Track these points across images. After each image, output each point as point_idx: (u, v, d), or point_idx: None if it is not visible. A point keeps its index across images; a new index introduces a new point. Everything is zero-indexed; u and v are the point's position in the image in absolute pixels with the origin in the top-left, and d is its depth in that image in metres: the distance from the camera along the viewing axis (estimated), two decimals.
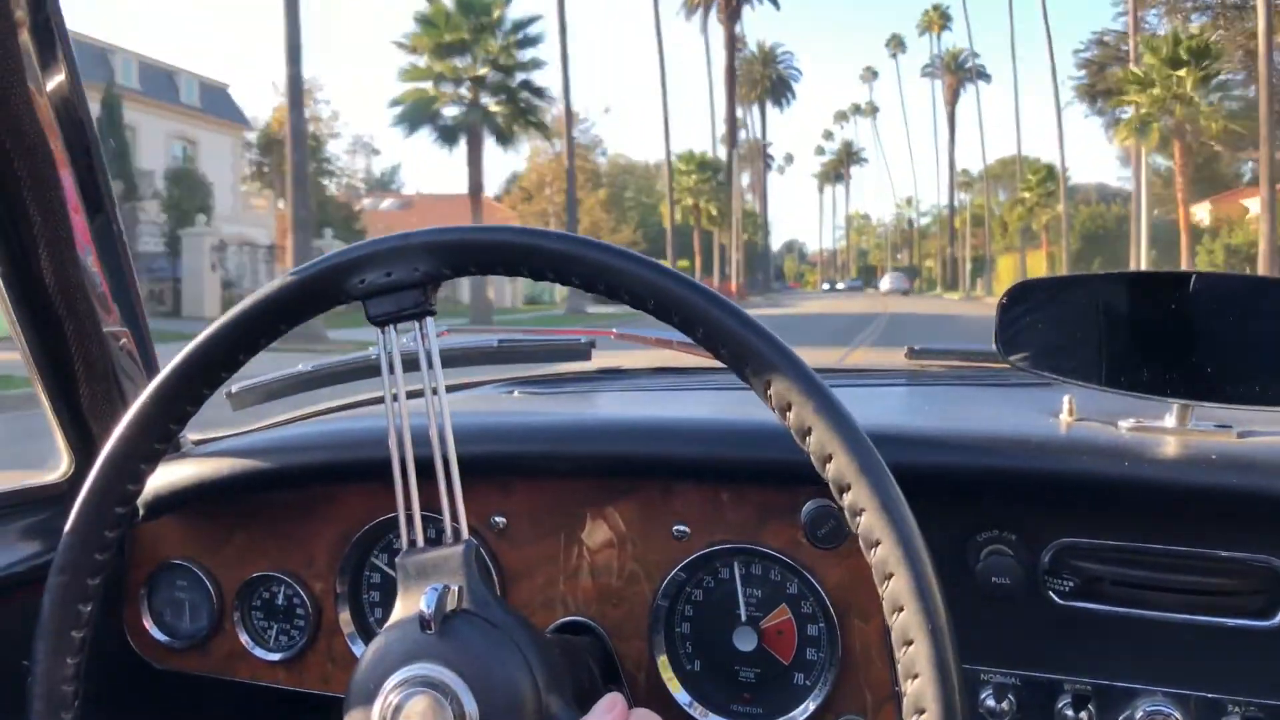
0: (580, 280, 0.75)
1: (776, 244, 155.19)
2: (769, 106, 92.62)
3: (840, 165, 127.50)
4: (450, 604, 0.73)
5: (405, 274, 0.76)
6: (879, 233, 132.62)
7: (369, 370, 1.44)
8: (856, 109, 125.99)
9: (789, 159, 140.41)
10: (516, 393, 1.59)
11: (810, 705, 1.05)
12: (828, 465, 0.69)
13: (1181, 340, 1.04)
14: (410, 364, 0.80)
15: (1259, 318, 1.03)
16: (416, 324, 0.78)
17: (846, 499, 0.69)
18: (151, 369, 1.25)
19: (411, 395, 0.81)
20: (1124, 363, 1.05)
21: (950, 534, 1.00)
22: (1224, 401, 1.02)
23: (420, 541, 0.78)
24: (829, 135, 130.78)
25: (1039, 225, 53.32)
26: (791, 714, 1.05)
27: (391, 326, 0.78)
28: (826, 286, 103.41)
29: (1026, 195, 53.74)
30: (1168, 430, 1.02)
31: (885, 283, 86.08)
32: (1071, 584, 0.99)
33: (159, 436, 0.81)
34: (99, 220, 1.19)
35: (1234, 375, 1.01)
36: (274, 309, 0.79)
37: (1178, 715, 0.95)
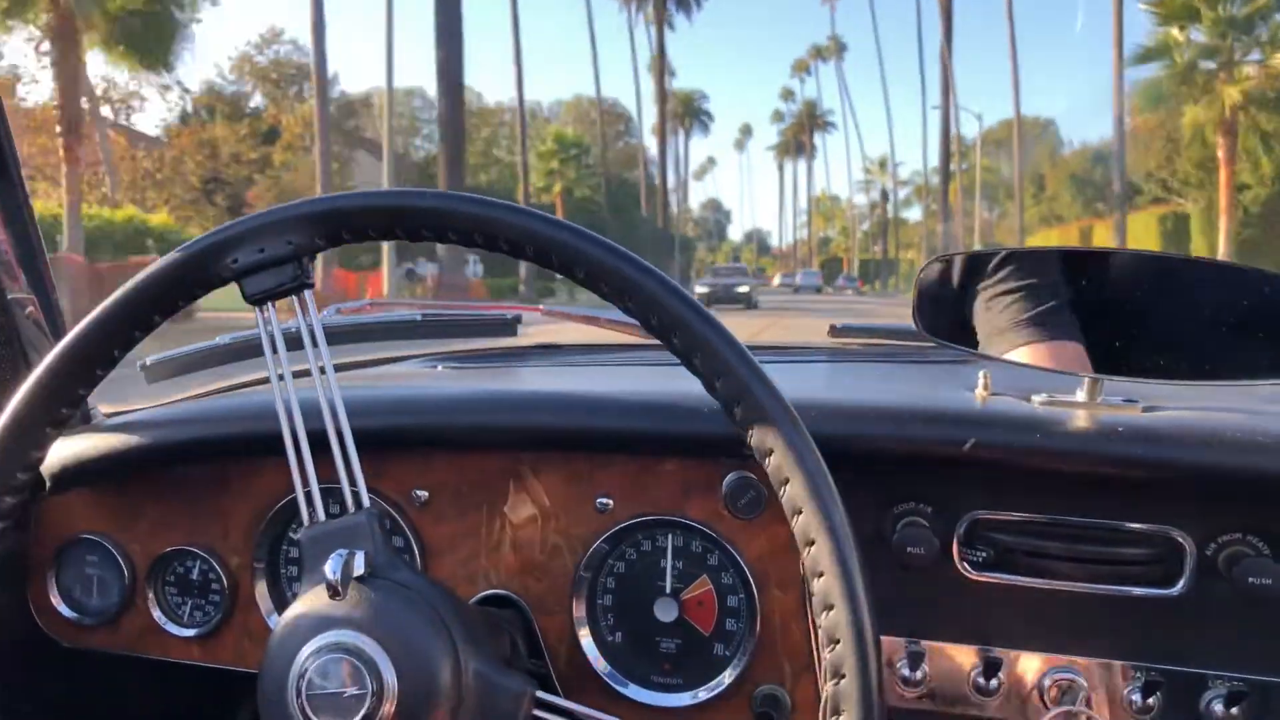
0: (457, 235, 0.74)
1: (736, 234, 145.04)
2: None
3: (801, 131, 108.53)
4: (358, 569, 0.72)
5: (278, 249, 0.75)
6: (849, 216, 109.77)
7: (288, 342, 1.41)
8: (819, 53, 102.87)
9: (746, 131, 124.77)
10: (440, 367, 1.58)
11: (729, 675, 1.06)
12: (752, 433, 0.70)
13: (1093, 316, 1.07)
14: (329, 338, 0.79)
15: (1169, 295, 1.05)
16: (295, 299, 0.77)
17: (770, 464, 0.69)
18: (59, 336, 1.22)
19: (308, 372, 0.80)
20: None
21: (868, 505, 1.02)
22: (1133, 376, 1.04)
23: (322, 516, 0.77)
24: (789, 95, 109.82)
25: None
26: (711, 684, 1.06)
27: (270, 304, 0.77)
28: (783, 282, 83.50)
29: None
30: (1078, 404, 1.04)
31: (798, 278, 72.15)
32: (984, 555, 1.01)
33: (48, 424, 0.79)
34: (4, 186, 1.15)
35: (1142, 350, 1.04)
36: (147, 298, 0.77)
37: (1083, 681, 0.98)
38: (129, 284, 0.77)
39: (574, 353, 1.75)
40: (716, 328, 0.71)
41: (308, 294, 0.78)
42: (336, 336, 0.80)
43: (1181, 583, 0.96)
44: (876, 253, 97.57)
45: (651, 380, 1.29)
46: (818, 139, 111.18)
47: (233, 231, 0.76)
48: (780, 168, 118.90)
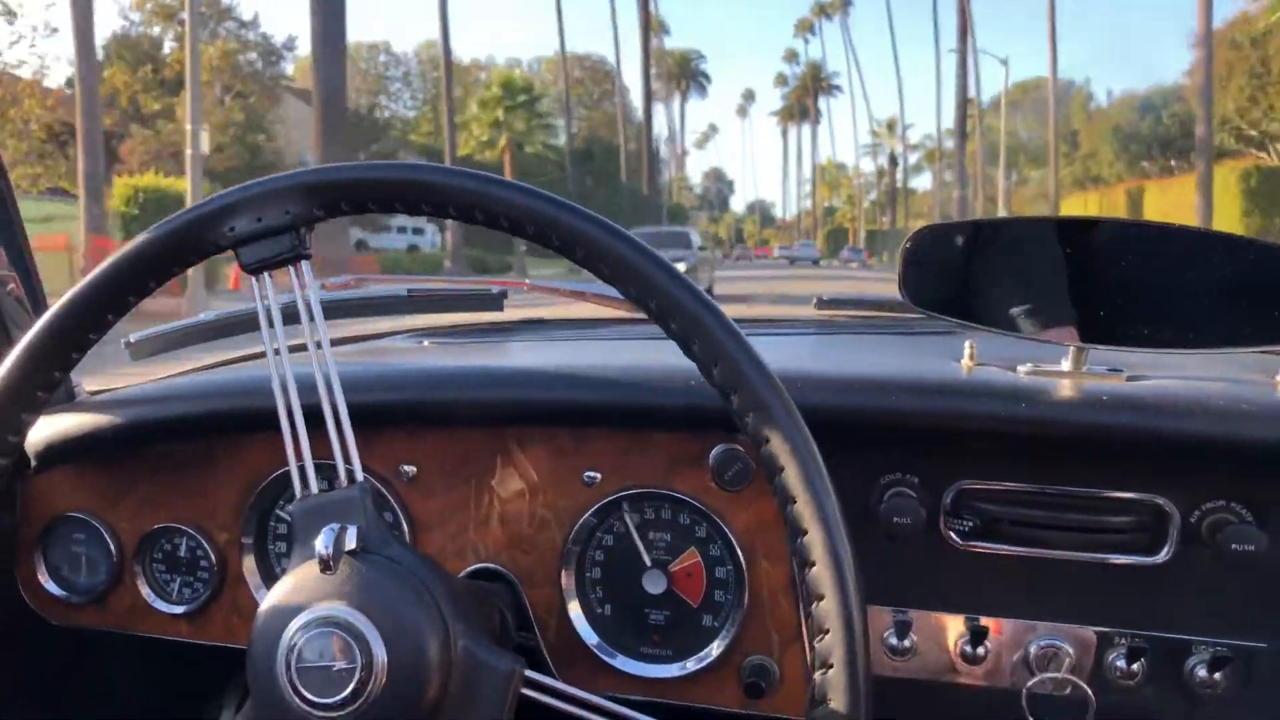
0: (456, 210, 0.74)
1: (740, 205, 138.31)
2: None
3: (806, 95, 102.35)
4: (349, 544, 0.72)
5: (275, 218, 0.75)
6: (855, 184, 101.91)
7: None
8: (823, 10, 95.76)
9: (749, 97, 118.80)
10: (427, 343, 1.57)
11: (718, 646, 1.06)
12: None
13: (1079, 285, 1.07)
14: (304, 315, 0.78)
15: (1156, 264, 1.06)
16: (292, 270, 0.77)
17: (749, 422, 0.69)
18: (40, 313, 1.21)
19: (303, 345, 0.79)
20: (1022, 307, 1.07)
21: (855, 476, 1.02)
22: (1118, 344, 1.05)
23: (315, 489, 0.77)
24: (793, 57, 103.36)
25: None
26: (699, 655, 1.07)
27: (267, 274, 0.77)
28: (780, 254, 78.82)
29: None
30: (1063, 373, 1.05)
31: (795, 249, 68.51)
32: (971, 524, 1.02)
33: (27, 402, 0.78)
34: None
35: (1128, 319, 1.04)
36: (144, 263, 0.76)
37: (1069, 648, 0.99)
38: (125, 248, 0.77)
39: (560, 327, 1.75)
40: (713, 312, 0.71)
41: (305, 265, 0.77)
42: (323, 311, 0.79)
43: (1166, 550, 0.97)
44: (884, 223, 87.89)
45: (638, 354, 1.29)
46: (823, 103, 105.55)
47: (231, 199, 0.75)
48: (784, 134, 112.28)
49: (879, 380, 1.04)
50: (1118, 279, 1.06)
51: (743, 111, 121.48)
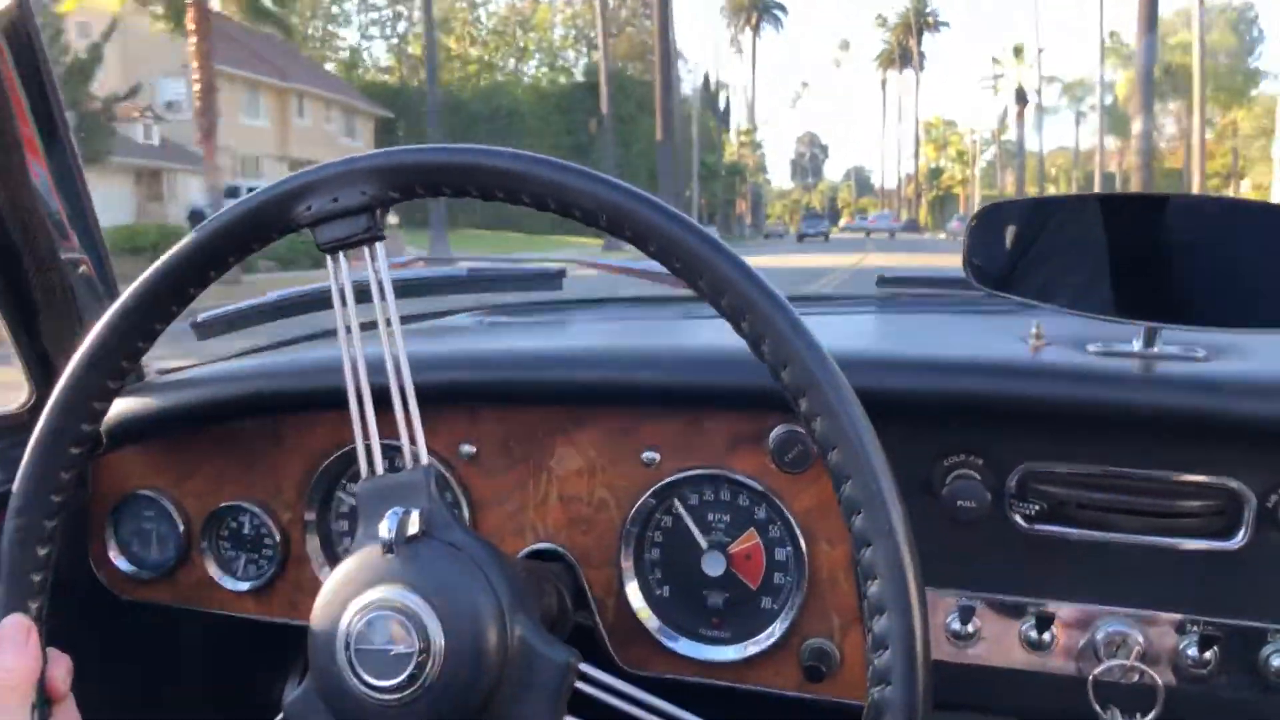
0: (531, 198, 0.74)
1: (838, 172, 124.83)
2: None
3: (908, 34, 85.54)
4: (412, 528, 0.73)
5: (352, 199, 0.75)
6: (968, 141, 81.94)
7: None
8: None
9: (845, 47, 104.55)
10: (486, 321, 1.58)
11: (778, 629, 1.06)
12: (801, 401, 0.69)
13: (1150, 263, 1.04)
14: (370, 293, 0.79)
15: (1230, 241, 1.03)
16: (366, 250, 0.77)
17: (817, 431, 0.69)
18: (113, 295, 1.23)
19: (371, 324, 0.80)
20: (1091, 286, 1.05)
21: (918, 458, 1.01)
22: (1190, 324, 1.02)
23: (380, 470, 0.77)
24: None
25: None
26: (758, 637, 1.06)
27: (341, 254, 0.77)
28: (858, 224, 72.11)
29: None
30: (1134, 354, 1.02)
31: (871, 220, 67.23)
32: (1037, 507, 1.00)
33: (110, 373, 0.80)
34: (54, 146, 1.17)
35: (1201, 298, 1.02)
36: (222, 240, 0.78)
37: (1138, 635, 0.97)
38: (206, 224, 0.78)
39: (617, 305, 1.74)
40: (752, 276, 0.70)
41: (379, 246, 0.78)
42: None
43: (1241, 534, 0.95)
44: (1008, 187, 71.03)
45: (696, 333, 1.28)
46: (928, 44, 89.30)
47: (309, 178, 0.76)
48: (883, 85, 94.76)
49: (943, 361, 1.02)
50: (1190, 257, 1.04)
51: (838, 63, 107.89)
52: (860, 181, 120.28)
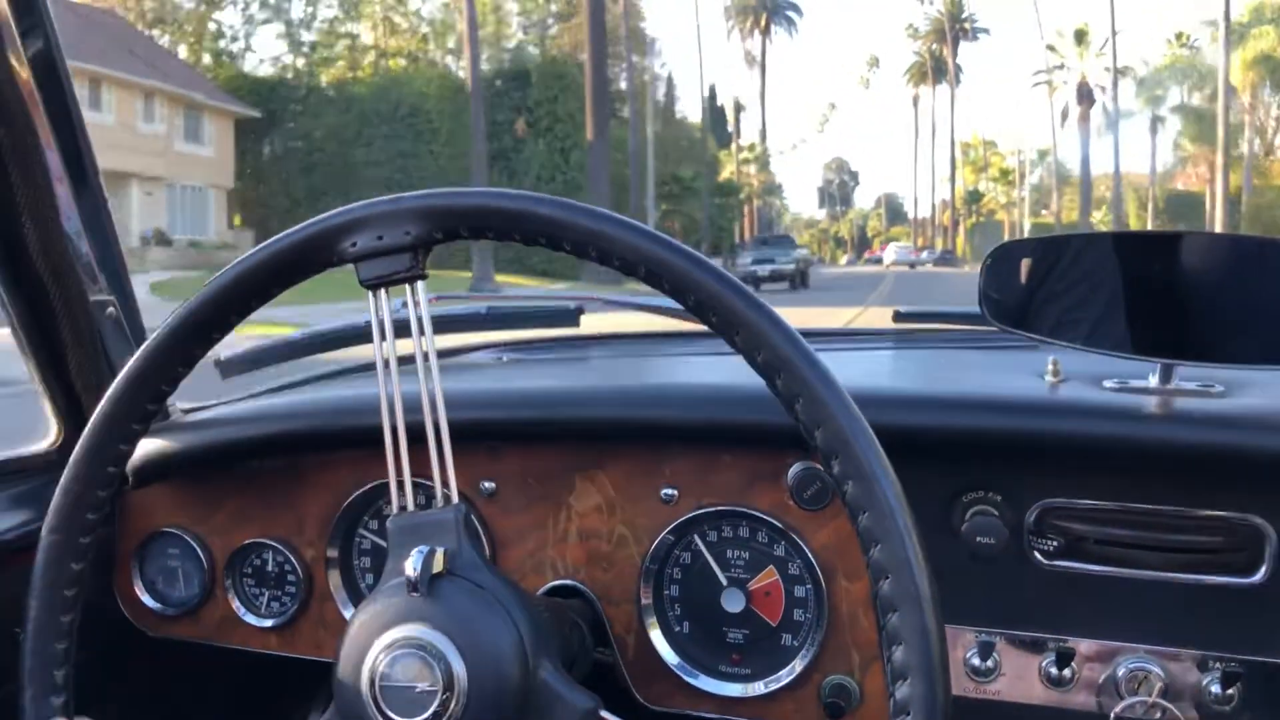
0: (572, 246, 0.75)
1: (869, 199, 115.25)
2: None
3: (941, 41, 73.49)
4: (437, 566, 0.74)
5: (396, 238, 0.76)
6: (1011, 160, 69.42)
7: (358, 337, 1.44)
8: None
9: (874, 64, 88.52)
10: (505, 358, 1.59)
11: (798, 665, 1.06)
12: (815, 433, 0.70)
13: (1165, 300, 1.05)
14: (401, 329, 0.80)
15: (1243, 278, 1.03)
16: (408, 288, 0.79)
17: (835, 468, 0.69)
18: (139, 337, 1.25)
19: (402, 361, 0.81)
20: (1107, 323, 1.05)
21: (936, 494, 1.01)
22: (1206, 361, 1.02)
23: (411, 507, 0.78)
24: None
25: None
26: (779, 674, 1.07)
27: (383, 291, 0.79)
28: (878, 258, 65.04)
29: None
30: (1151, 390, 1.03)
31: (889, 253, 62.60)
32: (1056, 544, 1.00)
33: (152, 396, 0.81)
34: (84, 190, 1.19)
35: (1216, 335, 1.02)
36: (267, 271, 0.79)
37: (1159, 672, 0.97)
38: (252, 256, 0.79)
39: (634, 342, 1.76)
40: (776, 321, 0.71)
41: (420, 285, 0.79)
42: (404, 329, 0.81)
43: (1263, 570, 0.95)
44: (1068, 212, 58.43)
45: (714, 370, 1.29)
46: (964, 55, 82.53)
47: (355, 215, 0.77)
48: (915, 102, 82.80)
49: (961, 398, 1.03)
50: (1204, 294, 1.04)
51: (867, 83, 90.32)
52: (892, 209, 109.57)
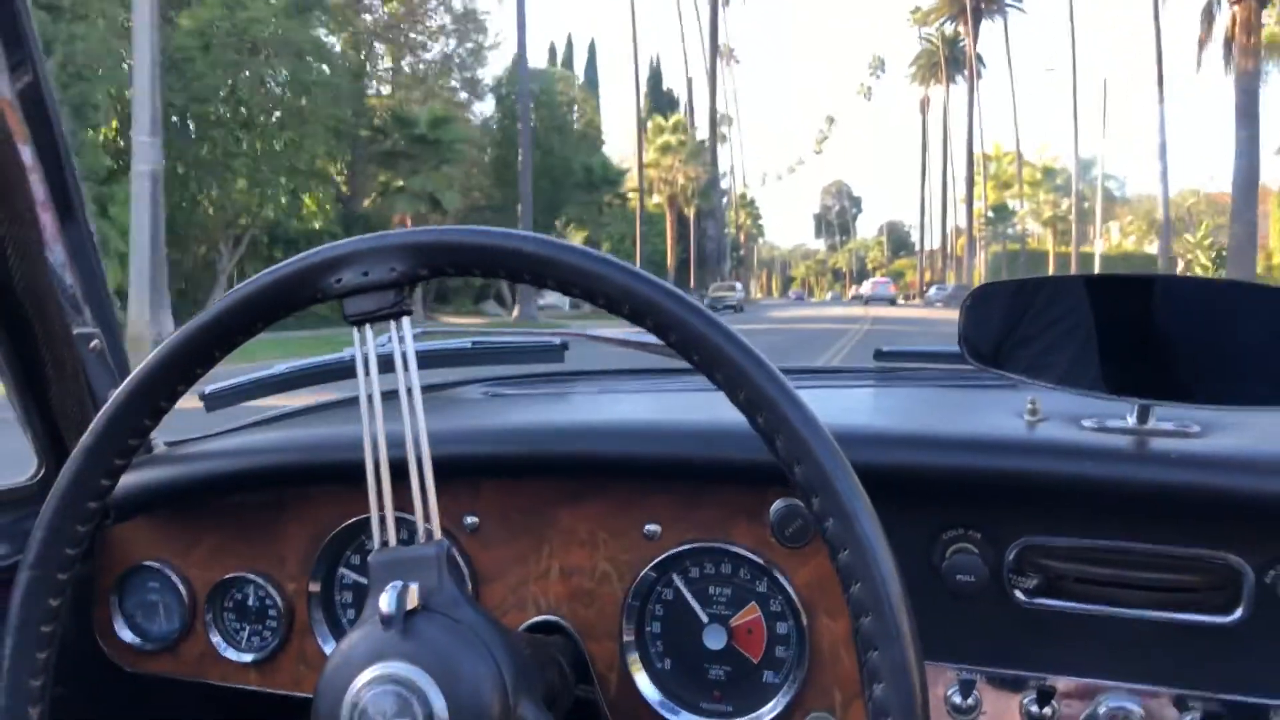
0: (556, 284, 0.76)
1: (872, 228, 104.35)
2: None
3: (961, 16, 60.48)
4: (413, 602, 0.74)
5: (382, 274, 0.77)
6: (1071, 165, 54.37)
7: (343, 372, 1.44)
8: None
9: (878, 66, 78.78)
10: (488, 393, 1.60)
11: (780, 702, 1.06)
12: (795, 469, 0.70)
13: (1143, 341, 1.06)
14: (384, 364, 0.80)
15: (1220, 320, 1.05)
16: (393, 324, 0.79)
17: (815, 504, 0.70)
18: (123, 370, 1.25)
19: (386, 396, 0.81)
20: (1085, 364, 1.07)
21: (916, 532, 1.02)
22: (1183, 401, 1.03)
23: (393, 542, 0.79)
24: None
25: None
26: (760, 712, 1.07)
27: (367, 326, 0.79)
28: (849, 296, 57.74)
29: None
30: (1128, 430, 1.04)
31: (865, 288, 55.74)
32: (1036, 581, 1.01)
33: (134, 431, 0.81)
34: (69, 222, 1.19)
35: (1194, 376, 1.03)
36: (252, 307, 0.79)
37: (1139, 711, 0.97)
38: (238, 291, 0.80)
39: (617, 378, 1.76)
40: (756, 359, 0.72)
41: (405, 321, 0.80)
42: (388, 364, 0.81)
43: (1240, 609, 0.95)
44: (1132, 237, 50.10)
45: (697, 407, 1.30)
46: (982, 42, 65.83)
47: (341, 251, 0.78)
48: (923, 107, 69.25)
49: (941, 436, 1.04)
50: (1182, 336, 1.06)
51: (867, 93, 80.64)
52: (897, 238, 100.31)
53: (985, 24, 61.72)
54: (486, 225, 0.80)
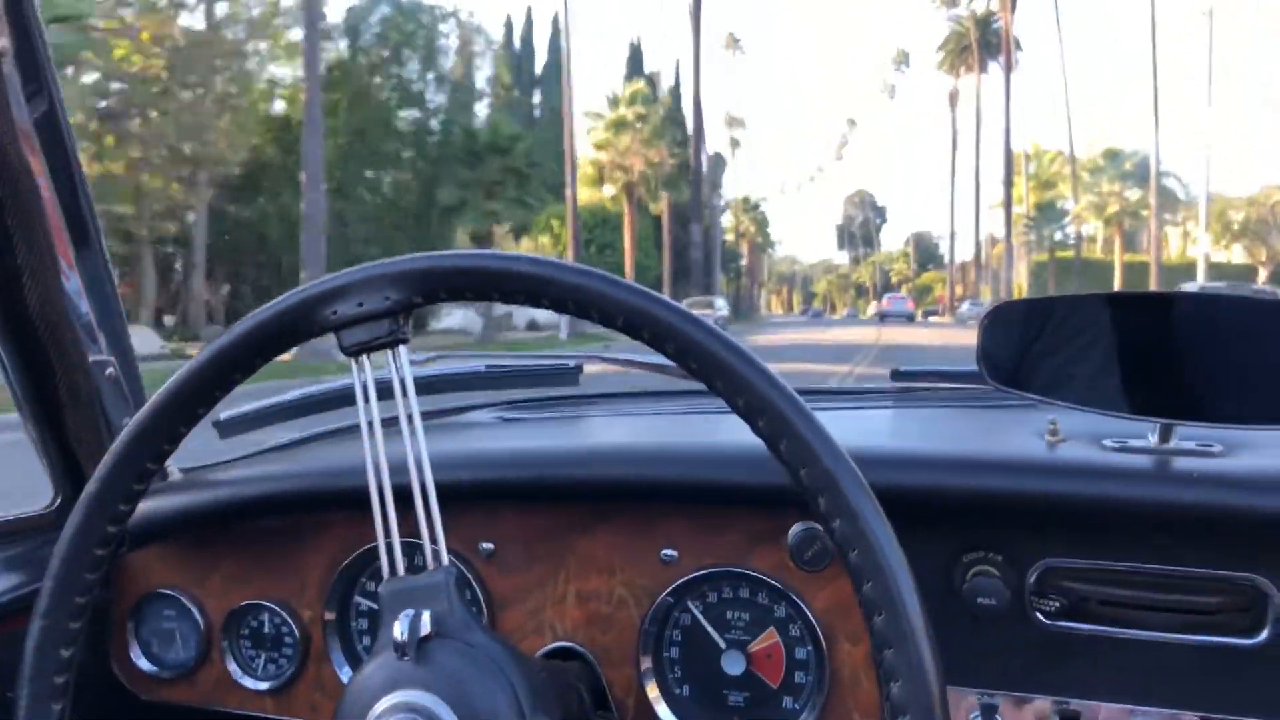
0: (550, 302, 0.76)
1: (898, 239, 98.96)
2: None
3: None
4: (425, 629, 0.73)
5: (376, 304, 0.77)
6: (1129, 161, 48.40)
7: (355, 398, 1.44)
8: None
9: (902, 60, 70.52)
10: (504, 417, 1.59)
11: None
12: (801, 472, 0.70)
13: (1164, 360, 1.05)
14: (388, 391, 0.80)
15: (1241, 337, 1.03)
16: (389, 353, 0.79)
17: (835, 529, 0.69)
18: (138, 398, 1.25)
19: (391, 423, 0.81)
20: (1106, 383, 1.05)
21: (937, 555, 1.01)
22: (1205, 420, 1.02)
23: (401, 570, 0.78)
24: None
25: None
26: None
27: (365, 356, 0.79)
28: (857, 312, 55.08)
29: None
30: (1150, 450, 1.03)
31: (883, 304, 51.05)
32: (1058, 604, 0.99)
33: (151, 457, 0.81)
34: (85, 250, 1.19)
35: (1215, 394, 1.02)
36: (250, 344, 0.79)
37: None
38: (236, 328, 0.80)
39: (634, 400, 1.75)
40: (767, 376, 0.72)
41: (403, 349, 0.80)
42: (391, 390, 0.81)
43: (1265, 631, 0.94)
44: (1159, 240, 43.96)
45: (714, 430, 1.29)
46: (1017, 27, 56.08)
47: (335, 283, 0.78)
48: (952, 101, 60.25)
49: (961, 458, 1.03)
50: (1203, 354, 1.04)
51: (890, 91, 72.10)
52: (924, 250, 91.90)
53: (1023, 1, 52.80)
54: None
